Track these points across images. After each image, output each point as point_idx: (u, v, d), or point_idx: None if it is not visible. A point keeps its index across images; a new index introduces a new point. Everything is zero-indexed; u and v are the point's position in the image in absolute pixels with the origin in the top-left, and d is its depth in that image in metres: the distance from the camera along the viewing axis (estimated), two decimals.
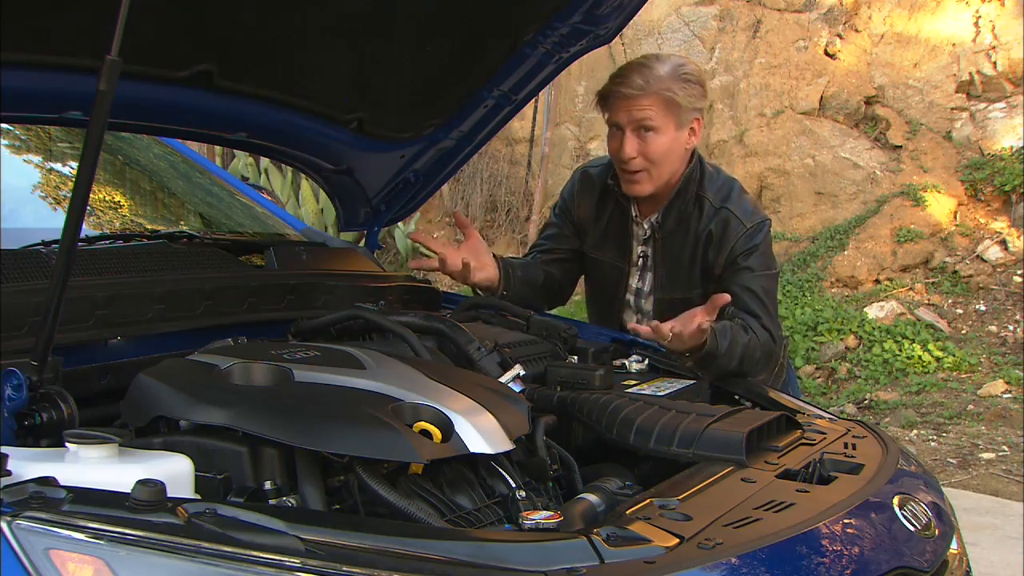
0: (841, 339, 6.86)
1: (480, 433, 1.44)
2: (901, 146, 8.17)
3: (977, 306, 7.14)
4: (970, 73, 8.13)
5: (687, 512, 1.39)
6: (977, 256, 7.38)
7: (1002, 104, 8.01)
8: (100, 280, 1.75)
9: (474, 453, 1.44)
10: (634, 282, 2.63)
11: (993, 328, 6.95)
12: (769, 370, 2.53)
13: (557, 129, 9.56)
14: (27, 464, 1.20)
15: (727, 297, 2.17)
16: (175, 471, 1.26)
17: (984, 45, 8.11)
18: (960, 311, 7.14)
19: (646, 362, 2.28)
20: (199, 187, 2.95)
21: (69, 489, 1.13)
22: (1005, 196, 7.59)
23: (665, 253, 2.55)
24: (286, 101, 2.25)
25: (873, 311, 7.07)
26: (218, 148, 8.36)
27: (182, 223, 2.72)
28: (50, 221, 2.32)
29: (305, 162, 2.56)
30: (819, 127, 8.40)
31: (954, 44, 8.24)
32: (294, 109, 2.28)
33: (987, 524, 4.28)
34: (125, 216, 2.59)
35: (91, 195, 1.63)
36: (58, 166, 2.69)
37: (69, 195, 1.45)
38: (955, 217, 7.69)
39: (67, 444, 1.27)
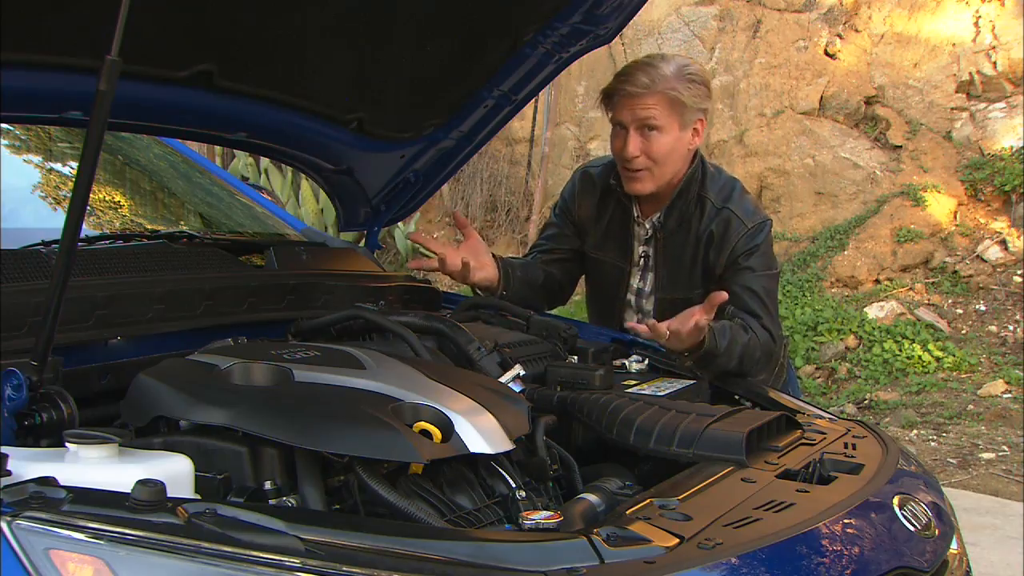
0: (841, 339, 6.86)
1: (480, 433, 1.44)
2: (901, 146, 8.17)
3: (977, 306, 7.14)
4: (970, 73, 8.13)
5: (687, 512, 1.39)
6: (977, 256, 7.38)
7: (1002, 104, 8.01)
8: (100, 280, 1.75)
9: (474, 453, 1.44)
10: (635, 282, 2.63)
11: (993, 328, 6.96)
12: (769, 370, 2.53)
13: (557, 129, 9.56)
14: (27, 464, 1.20)
15: (724, 295, 2.17)
16: (175, 471, 1.26)
17: (984, 45, 8.11)
18: (960, 311, 7.15)
19: (646, 362, 2.28)
20: (199, 187, 2.95)
21: (69, 489, 1.13)
22: (1005, 196, 7.59)
23: (666, 253, 2.55)
24: (286, 101, 2.25)
25: (873, 311, 7.07)
26: (218, 148, 8.36)
27: (182, 223, 2.72)
28: (50, 221, 2.32)
29: (305, 162, 2.56)
30: (819, 127, 8.40)
31: (954, 44, 8.24)
32: (294, 109, 2.28)
33: (987, 524, 4.28)
34: (125, 216, 2.59)
35: (91, 195, 1.63)
36: (58, 166, 2.69)
37: (69, 195, 1.45)
38: (955, 217, 7.69)
39: (67, 444, 1.27)
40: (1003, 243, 7.38)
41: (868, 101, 8.48)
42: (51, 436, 1.37)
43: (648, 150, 2.42)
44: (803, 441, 1.84)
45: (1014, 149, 7.76)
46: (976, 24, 8.18)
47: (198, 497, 1.27)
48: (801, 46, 8.69)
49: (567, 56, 2.48)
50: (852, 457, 1.77)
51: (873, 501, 1.57)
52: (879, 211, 7.78)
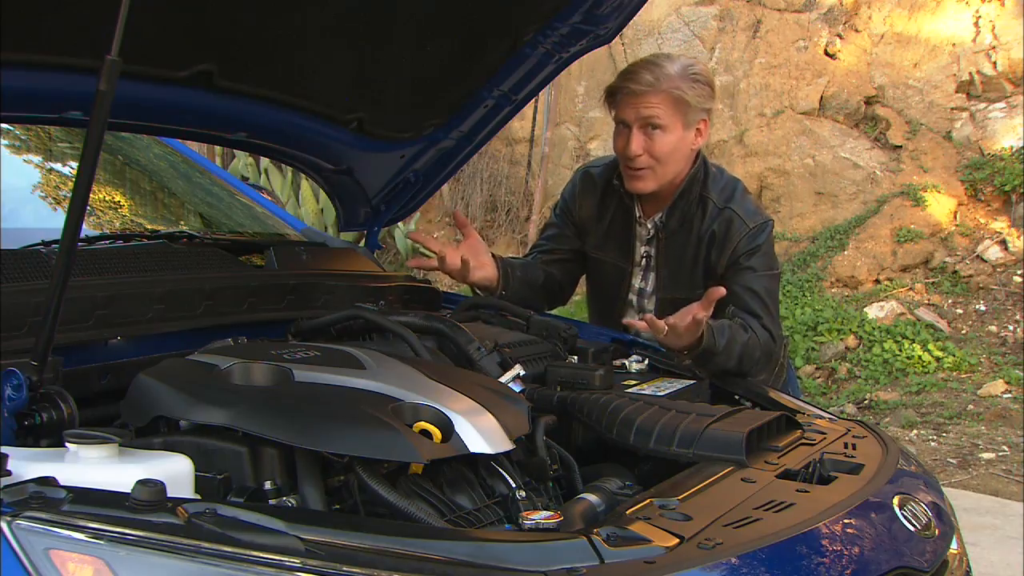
0: (841, 339, 6.86)
1: (480, 433, 1.44)
2: (901, 146, 8.17)
3: (977, 306, 7.14)
4: (970, 73, 8.13)
5: (687, 512, 1.39)
6: (977, 256, 7.38)
7: (1002, 104, 8.01)
8: (100, 280, 1.75)
9: (474, 453, 1.44)
10: (637, 282, 2.63)
11: (993, 328, 6.96)
12: (769, 370, 2.53)
13: (557, 129, 9.56)
14: (27, 464, 1.20)
15: (722, 290, 2.17)
16: (175, 471, 1.26)
17: (984, 45, 8.11)
18: (960, 311, 7.15)
19: (646, 362, 2.28)
20: (199, 187, 2.95)
21: (69, 489, 1.13)
22: (1005, 196, 7.59)
23: (668, 253, 2.55)
24: (286, 101, 2.25)
25: (873, 311, 7.07)
26: (218, 148, 8.36)
27: (182, 223, 2.72)
28: (50, 221, 2.32)
29: (305, 162, 2.56)
30: (819, 127, 8.40)
31: (954, 44, 8.24)
32: (294, 109, 2.28)
33: (987, 524, 4.28)
34: (125, 216, 2.59)
35: (91, 195, 1.63)
36: (58, 166, 2.69)
37: (69, 195, 1.45)
38: (955, 217, 7.69)
39: (67, 444, 1.27)
40: (1003, 243, 7.38)
41: (868, 101, 8.48)
42: (51, 436, 1.37)
43: (651, 149, 2.42)
44: (803, 441, 1.84)
45: (1014, 149, 7.76)
46: (976, 24, 8.18)
47: (198, 497, 1.26)
48: (801, 46, 8.69)
49: (567, 56, 2.48)
50: (852, 457, 1.77)
51: (873, 501, 1.57)
52: (879, 211, 7.78)
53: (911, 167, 8.00)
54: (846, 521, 1.48)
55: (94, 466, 1.24)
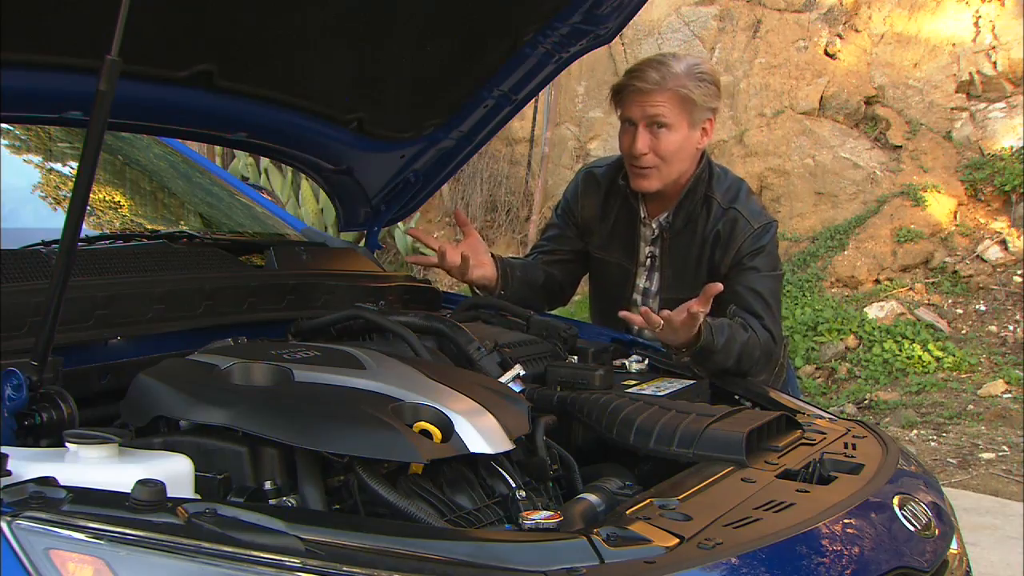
0: (841, 339, 6.86)
1: (480, 433, 1.44)
2: (901, 146, 8.17)
3: (977, 306, 7.14)
4: (970, 73, 8.13)
5: (687, 512, 1.39)
6: (977, 256, 7.38)
7: (1002, 104, 8.01)
8: (100, 280, 1.75)
9: (474, 453, 1.44)
10: (641, 282, 2.63)
11: (993, 328, 6.95)
12: (769, 370, 2.53)
13: (557, 129, 9.56)
14: (27, 464, 1.20)
15: (719, 286, 2.16)
16: (175, 471, 1.26)
17: (984, 45, 8.11)
18: (960, 311, 7.14)
19: (646, 362, 2.28)
20: (199, 187, 2.95)
21: (69, 489, 1.13)
22: (1005, 196, 7.59)
23: (673, 253, 2.55)
24: (286, 101, 2.25)
25: (873, 311, 7.07)
26: (218, 148, 8.36)
27: (182, 223, 2.72)
28: (50, 221, 2.32)
29: (305, 162, 2.56)
30: (819, 127, 8.40)
31: (954, 44, 8.24)
32: (294, 109, 2.28)
33: (987, 524, 4.28)
34: (125, 216, 2.59)
35: (91, 195, 1.63)
36: (58, 166, 2.69)
37: (69, 195, 1.45)
38: (955, 217, 7.69)
39: (67, 444, 1.27)
40: (1003, 243, 7.38)
41: (868, 101, 8.48)
42: (51, 436, 1.37)
43: (656, 147, 2.42)
44: (803, 441, 1.84)
45: (1014, 149, 7.76)
46: (976, 24, 8.18)
47: (198, 497, 1.26)
48: (801, 46, 8.69)
49: (567, 56, 2.48)
50: (852, 457, 1.77)
51: (873, 501, 1.57)
52: (879, 211, 7.78)
53: (911, 167, 8.00)
54: (846, 521, 1.48)
55: (94, 466, 1.24)
